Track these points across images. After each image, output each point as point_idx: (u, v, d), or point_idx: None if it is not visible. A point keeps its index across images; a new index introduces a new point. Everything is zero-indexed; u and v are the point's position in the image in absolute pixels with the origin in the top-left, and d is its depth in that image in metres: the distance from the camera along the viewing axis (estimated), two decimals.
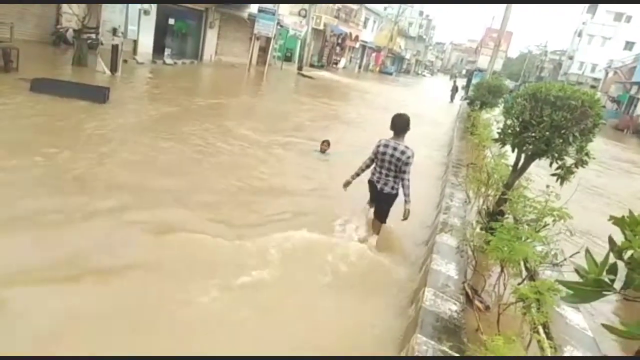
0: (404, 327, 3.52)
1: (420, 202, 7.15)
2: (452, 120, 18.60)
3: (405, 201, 4.95)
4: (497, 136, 5.64)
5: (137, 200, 5.27)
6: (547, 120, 4.90)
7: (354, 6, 45.05)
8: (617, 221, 1.12)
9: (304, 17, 34.11)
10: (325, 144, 8.95)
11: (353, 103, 20.55)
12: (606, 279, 1.05)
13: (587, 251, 1.09)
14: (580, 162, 5.28)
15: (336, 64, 44.25)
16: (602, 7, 55.00)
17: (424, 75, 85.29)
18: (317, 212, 5.90)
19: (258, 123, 10.94)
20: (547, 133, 4.97)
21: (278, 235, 4.87)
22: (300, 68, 32.33)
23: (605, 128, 34.78)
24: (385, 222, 5.33)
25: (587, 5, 59.40)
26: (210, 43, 24.36)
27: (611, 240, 1.11)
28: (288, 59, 33.88)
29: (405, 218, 4.94)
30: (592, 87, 52.50)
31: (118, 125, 8.31)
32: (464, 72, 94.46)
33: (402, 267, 4.82)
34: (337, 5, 41.59)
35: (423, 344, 2.79)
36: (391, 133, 5.22)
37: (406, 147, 5.04)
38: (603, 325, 1.28)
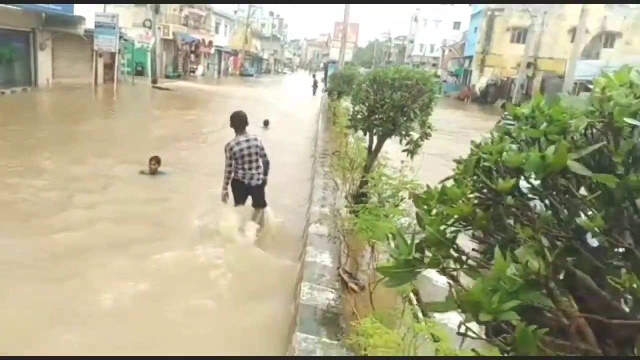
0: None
1: (300, 196, 7.20)
2: (316, 113, 19.20)
3: (265, 175, 5.54)
4: (349, 123, 5.90)
5: None
6: (389, 101, 5.22)
7: (202, 12, 44.03)
8: (415, 199, 1.15)
9: (150, 27, 32.37)
10: (154, 162, 7.53)
11: (215, 110, 20.04)
12: (417, 256, 1.06)
13: (398, 233, 1.09)
14: (425, 135, 5.76)
15: (193, 72, 42.94)
16: None
17: (284, 73, 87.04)
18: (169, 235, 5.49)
19: (95, 149, 9.34)
20: (392, 113, 5.30)
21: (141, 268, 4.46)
22: (154, 81, 30.63)
23: (449, 100, 39.07)
24: (266, 204, 5.61)
25: None
26: (44, 66, 21.80)
27: (418, 217, 1.13)
28: (140, 73, 31.88)
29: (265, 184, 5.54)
30: (434, 65, 58.41)
31: None
32: (321, 65, 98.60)
33: (288, 262, 4.77)
34: (184, 13, 40.28)
35: (303, 340, 2.77)
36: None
37: (254, 136, 5.47)
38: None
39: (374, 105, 5.34)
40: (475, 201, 1.10)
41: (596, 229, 0.88)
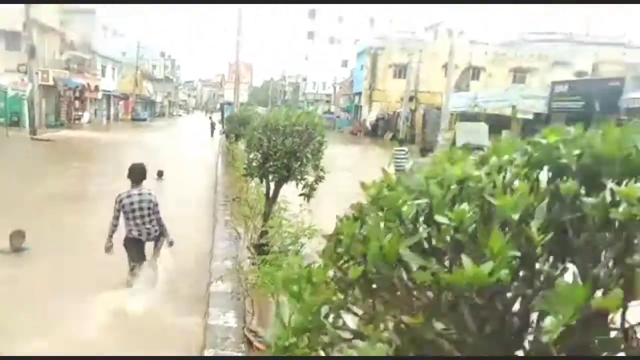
0: None
1: (201, 250, 6.89)
2: (215, 156, 18.90)
3: (166, 235, 5.38)
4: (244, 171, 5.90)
5: None
6: (282, 148, 5.33)
7: (86, 55, 41.73)
8: (284, 281, 1.17)
9: (25, 73, 29.82)
10: (18, 237, 6.20)
11: (103, 160, 18.81)
12: (293, 342, 1.06)
13: (279, 316, 1.09)
14: (319, 178, 5.94)
15: (79, 119, 40.16)
16: (318, 33, 64.47)
17: (180, 116, 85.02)
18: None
19: None
20: (285, 160, 5.42)
21: None
22: (33, 132, 28.01)
23: (344, 135, 40.89)
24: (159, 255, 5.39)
25: (306, 32, 68.71)
26: None
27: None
28: (15, 123, 29.09)
29: (171, 245, 5.37)
30: (327, 101, 61.08)
31: None
32: (217, 106, 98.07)
33: (192, 326, 4.45)
34: (65, 56, 37.86)
35: None
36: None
37: (148, 191, 5.35)
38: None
39: (268, 153, 5.41)
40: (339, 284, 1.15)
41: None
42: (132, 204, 5.11)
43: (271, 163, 5.38)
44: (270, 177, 5.59)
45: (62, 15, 37.93)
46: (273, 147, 5.36)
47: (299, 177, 5.55)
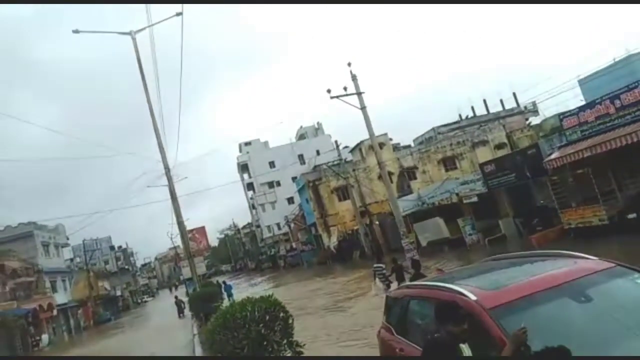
0: None
1: None
2: (189, 341, 17.77)
3: None
4: None
5: None
6: (247, 342, 5.16)
7: (31, 277, 40.35)
8: None
9: None
10: None
11: None
12: None
13: None
14: (298, 354, 5.71)
15: (37, 344, 37.25)
16: (257, 182, 67.26)
17: (145, 302, 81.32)
18: None
19: None
20: (255, 352, 5.21)
21: None
22: None
23: (314, 267, 40.49)
24: None
25: (246, 183, 71.53)
26: None
27: None
28: None
29: None
30: (286, 240, 61.39)
31: None
32: (181, 278, 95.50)
33: None
34: (9, 286, 36.37)
35: None
36: None
37: None
38: None
39: (233, 352, 5.19)
40: None
41: None
42: None
43: None
44: None
45: None
46: (238, 344, 5.18)
47: None
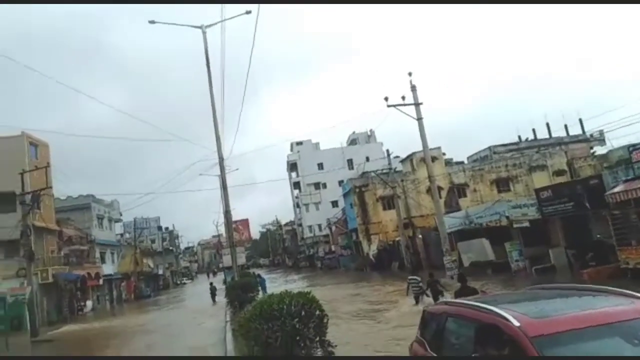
0: None
1: None
2: (222, 328, 18.16)
3: None
4: None
5: None
6: (280, 335, 5.24)
7: (84, 246, 42.74)
8: None
9: (25, 276, 30.06)
10: None
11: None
12: None
13: None
14: (329, 354, 5.73)
15: (81, 310, 39.44)
16: (304, 182, 67.85)
17: (184, 284, 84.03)
18: None
19: None
20: (288, 345, 5.28)
21: None
22: (34, 333, 27.24)
23: (350, 273, 40.35)
24: None
25: (293, 182, 72.36)
26: None
27: None
28: (17, 327, 28.36)
29: None
30: (326, 242, 61.58)
31: None
32: (221, 266, 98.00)
33: None
34: (64, 251, 38.69)
35: None
36: None
37: None
38: None
39: (267, 342, 5.29)
40: None
41: None
42: None
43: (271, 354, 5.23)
44: None
45: (59, 215, 39.83)
46: (273, 334, 5.28)
47: None
